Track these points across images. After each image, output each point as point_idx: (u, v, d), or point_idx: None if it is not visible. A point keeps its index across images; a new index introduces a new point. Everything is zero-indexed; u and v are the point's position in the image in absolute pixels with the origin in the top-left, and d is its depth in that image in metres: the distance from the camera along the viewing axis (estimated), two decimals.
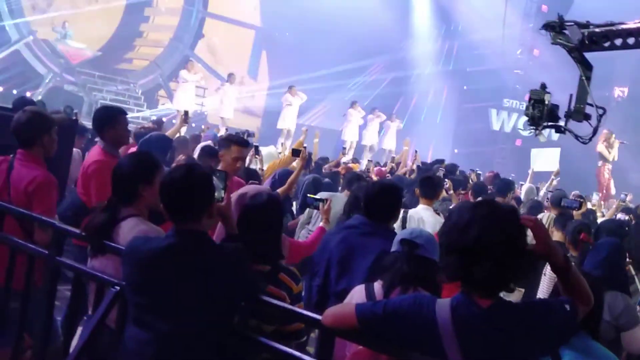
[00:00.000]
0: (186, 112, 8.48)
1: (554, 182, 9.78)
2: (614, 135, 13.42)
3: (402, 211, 6.19)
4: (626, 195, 11.65)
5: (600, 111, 3.72)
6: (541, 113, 3.68)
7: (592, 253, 4.51)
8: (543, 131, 3.75)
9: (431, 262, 3.07)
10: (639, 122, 22.55)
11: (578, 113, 3.70)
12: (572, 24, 3.61)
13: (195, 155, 8.00)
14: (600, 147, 12.53)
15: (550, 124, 3.75)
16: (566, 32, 3.63)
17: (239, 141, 5.05)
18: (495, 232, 2.24)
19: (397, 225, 6.00)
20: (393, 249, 3.23)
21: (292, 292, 3.16)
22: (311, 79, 19.66)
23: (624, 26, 3.42)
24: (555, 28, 3.69)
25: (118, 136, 4.89)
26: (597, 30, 3.53)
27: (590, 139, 3.82)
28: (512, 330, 2.25)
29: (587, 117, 3.69)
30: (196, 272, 2.67)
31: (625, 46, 3.48)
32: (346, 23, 20.29)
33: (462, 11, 22.71)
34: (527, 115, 3.78)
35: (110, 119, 4.88)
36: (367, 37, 20.66)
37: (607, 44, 3.53)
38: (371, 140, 19.26)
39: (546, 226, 6.55)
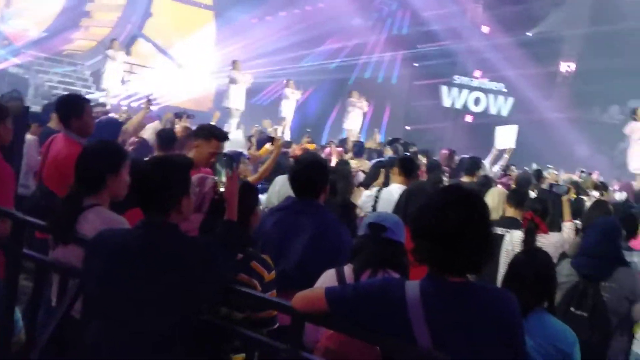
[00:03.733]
0: (149, 98, 8.32)
1: (506, 158, 9.96)
2: None
3: (375, 189, 6.34)
4: (589, 173, 11.93)
5: None
6: None
7: (589, 232, 4.70)
8: None
9: (399, 244, 3.13)
10: (586, 96, 23.10)
11: None
12: None
13: (146, 136, 7.93)
14: None
15: None
16: None
17: (221, 136, 4.93)
18: (463, 216, 2.28)
19: (368, 203, 6.13)
20: (361, 232, 3.28)
21: (263, 279, 3.17)
22: (263, 61, 19.49)
23: None
24: None
25: (84, 125, 4.81)
26: None
27: None
28: (481, 311, 2.28)
29: None
30: (165, 265, 2.63)
31: None
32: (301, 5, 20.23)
33: None
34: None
35: (76, 109, 4.80)
36: (320, 19, 20.61)
37: None
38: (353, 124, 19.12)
39: (496, 201, 6.66)
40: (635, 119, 13.18)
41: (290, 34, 20.73)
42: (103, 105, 10.33)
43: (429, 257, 2.33)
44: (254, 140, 9.63)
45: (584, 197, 7.56)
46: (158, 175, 2.72)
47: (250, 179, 5.85)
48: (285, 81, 18.81)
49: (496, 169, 9.66)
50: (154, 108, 11.25)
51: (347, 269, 3.17)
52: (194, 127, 9.09)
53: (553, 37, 23.39)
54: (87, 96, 17.12)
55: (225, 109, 16.99)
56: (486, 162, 9.66)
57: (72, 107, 4.83)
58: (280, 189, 5.83)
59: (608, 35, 20.93)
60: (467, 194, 2.37)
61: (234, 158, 3.10)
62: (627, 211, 6.20)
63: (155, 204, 2.71)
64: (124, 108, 14.88)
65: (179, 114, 10.04)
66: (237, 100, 16.85)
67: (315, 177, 4.02)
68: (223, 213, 3.03)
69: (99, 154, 3.44)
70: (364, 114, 19.32)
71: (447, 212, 2.28)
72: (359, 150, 9.39)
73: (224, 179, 2.99)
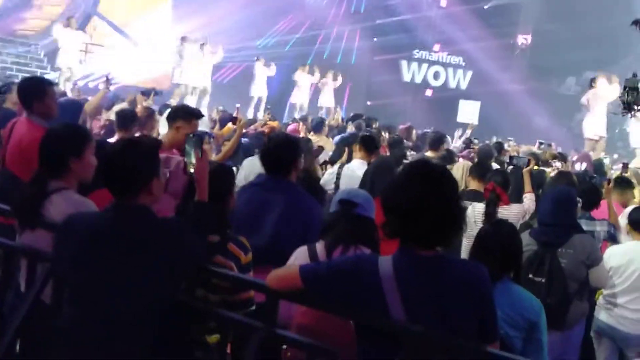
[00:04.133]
0: (107, 77, 8.19)
1: (468, 133, 10.11)
2: None
3: (337, 166, 6.39)
4: (548, 145, 12.15)
5: None
6: (635, 98, 4.02)
7: (543, 201, 4.83)
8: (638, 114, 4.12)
9: (369, 220, 3.17)
10: (542, 68, 23.43)
11: None
12: None
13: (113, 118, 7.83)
14: None
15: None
16: None
17: (199, 115, 4.88)
18: (432, 191, 2.32)
19: (331, 180, 6.18)
20: (332, 209, 3.32)
21: (240, 261, 3.19)
22: (222, 39, 19.24)
23: None
24: None
25: (47, 108, 4.72)
26: None
27: None
28: (453, 283, 2.33)
29: None
30: (136, 247, 2.62)
31: None
32: None
33: None
34: (622, 101, 4.11)
35: (38, 92, 4.71)
36: None
37: None
38: (300, 99, 19.07)
39: (460, 174, 6.78)
40: (592, 87, 13.48)
41: (248, 11, 20.50)
42: (56, 84, 10.08)
43: (399, 231, 2.37)
44: (217, 118, 9.57)
45: (545, 169, 7.70)
46: (126, 158, 2.69)
47: (214, 158, 5.83)
48: (255, 58, 18.62)
49: (458, 143, 9.79)
50: (112, 88, 11.06)
51: (319, 246, 3.21)
52: (155, 107, 9.08)
53: (510, 9, 23.64)
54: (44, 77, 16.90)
55: (177, 85, 16.75)
56: (455, 136, 9.83)
57: (34, 91, 4.74)
58: (247, 173, 5.80)
59: (563, 7, 21.19)
60: (432, 169, 2.42)
61: (202, 138, 3.07)
62: (589, 182, 6.33)
63: (125, 186, 2.69)
64: (77, 87, 14.58)
65: (147, 92, 9.88)
66: (191, 77, 16.63)
67: (286, 155, 4.08)
68: (194, 194, 3.02)
69: (61, 137, 3.39)
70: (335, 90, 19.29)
71: (414, 187, 2.32)
72: (317, 125, 9.39)
73: (193, 160, 2.98)
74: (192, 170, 3.00)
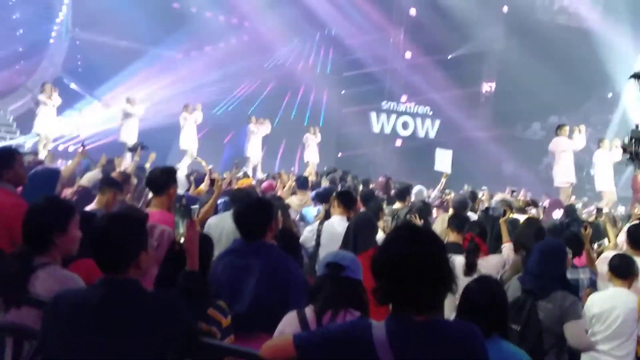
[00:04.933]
0: (83, 145, 8.15)
1: (443, 182, 10.24)
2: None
3: (317, 224, 6.40)
4: (513, 191, 12.32)
5: None
6: None
7: (533, 252, 4.81)
8: None
9: (357, 282, 3.19)
10: (508, 115, 23.96)
11: None
12: None
13: (84, 183, 7.79)
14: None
15: None
16: None
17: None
18: (420, 252, 2.36)
19: (311, 237, 6.19)
20: (319, 272, 3.32)
21: (221, 326, 3.18)
22: (192, 97, 19.36)
23: None
24: None
25: (16, 176, 4.73)
26: None
27: None
28: (448, 348, 2.34)
29: None
30: (126, 324, 2.59)
31: None
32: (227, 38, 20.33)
33: (333, 16, 23.19)
34: (629, 152, 4.26)
35: (6, 161, 4.70)
36: (246, 49, 20.76)
37: None
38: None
39: (442, 228, 6.84)
40: (558, 134, 13.76)
41: (217, 68, 20.77)
42: (35, 153, 10.02)
43: (390, 296, 2.38)
44: (192, 179, 9.57)
45: (519, 217, 7.79)
46: (114, 233, 2.68)
47: (196, 217, 5.81)
48: (248, 118, 18.50)
49: (434, 193, 9.90)
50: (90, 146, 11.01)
51: (309, 310, 3.20)
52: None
53: (473, 58, 24.26)
54: (12, 141, 16.74)
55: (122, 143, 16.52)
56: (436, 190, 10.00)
57: (3, 159, 4.75)
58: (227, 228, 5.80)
59: (525, 54, 21.73)
60: (419, 231, 2.46)
61: (190, 208, 3.08)
62: (571, 231, 6.40)
63: (113, 262, 2.68)
64: (50, 152, 14.43)
65: (134, 147, 9.84)
66: (130, 135, 16.32)
67: (259, 218, 4.05)
68: (179, 263, 3.02)
69: (45, 212, 3.36)
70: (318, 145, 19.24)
71: (403, 249, 2.35)
72: (303, 183, 9.42)
73: (181, 230, 2.99)
74: (182, 239, 3.00)
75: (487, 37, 23.81)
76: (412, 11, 24.18)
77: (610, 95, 23.73)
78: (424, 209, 7.87)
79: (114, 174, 7.52)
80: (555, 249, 4.73)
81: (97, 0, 20.12)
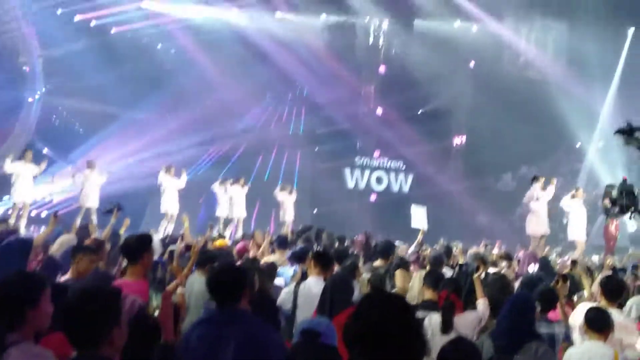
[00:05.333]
0: (55, 213, 8.06)
1: (420, 239, 10.28)
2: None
3: (293, 285, 6.38)
4: (486, 245, 12.41)
5: None
6: (631, 201, 4.35)
7: (503, 307, 4.88)
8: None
9: (333, 349, 3.18)
10: (478, 166, 24.27)
11: None
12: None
13: (54, 250, 7.68)
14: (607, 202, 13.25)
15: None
16: (636, 135, 4.20)
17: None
18: (391, 318, 2.38)
19: (287, 299, 6.16)
20: (295, 339, 3.31)
21: None
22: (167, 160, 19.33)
23: None
24: (626, 133, 4.24)
25: None
26: None
27: None
28: None
29: None
30: None
31: None
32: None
33: (305, 75, 23.58)
34: (619, 205, 4.41)
35: None
36: (219, 111, 20.98)
37: None
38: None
39: (419, 284, 6.85)
40: (532, 185, 14.00)
41: (191, 130, 20.91)
42: (5, 221, 9.89)
43: None
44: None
45: (492, 271, 7.83)
46: (87, 308, 2.66)
47: (170, 287, 5.76)
48: (221, 179, 18.36)
49: (411, 249, 9.95)
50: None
51: None
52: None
53: (442, 112, 24.71)
54: None
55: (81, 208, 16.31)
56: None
57: None
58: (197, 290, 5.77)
59: (494, 106, 22.11)
60: (389, 297, 2.49)
61: (164, 282, 3.08)
62: (544, 285, 6.43)
63: (85, 338, 2.65)
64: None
65: (110, 210, 9.72)
66: (91, 199, 16.08)
67: (233, 285, 3.98)
68: (148, 337, 3.00)
69: (16, 288, 3.31)
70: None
71: (374, 316, 2.37)
72: (282, 243, 9.40)
73: (155, 303, 2.98)
74: (156, 313, 2.99)
75: (455, 91, 24.33)
76: (382, 68, 24.68)
77: (578, 144, 24.20)
78: (402, 264, 7.83)
79: (87, 241, 7.45)
80: (524, 303, 4.81)
81: (70, 64, 20.25)
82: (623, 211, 4.45)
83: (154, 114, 22.13)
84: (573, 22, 22.89)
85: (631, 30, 23.45)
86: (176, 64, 22.92)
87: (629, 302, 6.50)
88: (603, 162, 22.45)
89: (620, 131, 4.35)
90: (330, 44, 23.28)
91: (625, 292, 6.54)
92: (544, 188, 13.95)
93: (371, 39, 24.22)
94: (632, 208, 4.43)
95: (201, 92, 22.11)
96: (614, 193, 4.49)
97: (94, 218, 15.42)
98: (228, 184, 17.97)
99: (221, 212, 17.78)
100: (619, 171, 21.78)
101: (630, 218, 5.29)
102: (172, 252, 7.45)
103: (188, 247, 6.89)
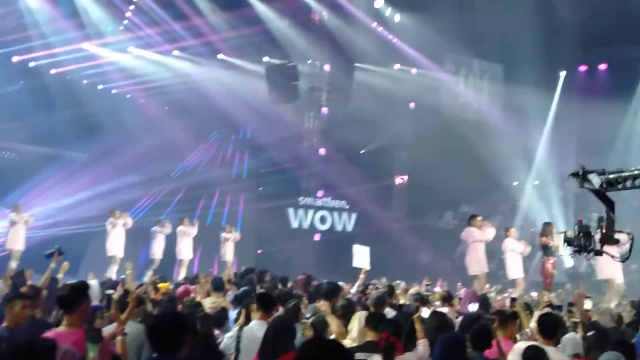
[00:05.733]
0: None
1: (362, 279, 10.34)
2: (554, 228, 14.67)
3: (237, 329, 6.34)
4: (428, 284, 12.57)
5: (631, 235, 4.86)
6: (588, 241, 4.57)
7: (435, 347, 5.08)
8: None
9: None
10: (420, 205, 24.70)
11: (610, 238, 4.57)
12: (593, 172, 4.44)
13: None
14: (545, 240, 13.49)
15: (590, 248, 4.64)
16: (589, 178, 4.45)
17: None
18: None
19: (230, 343, 6.11)
20: None
21: None
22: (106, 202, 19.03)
23: (628, 173, 4.27)
24: (580, 176, 4.50)
25: None
26: (611, 176, 4.35)
27: (627, 258, 4.97)
28: None
29: (617, 242, 4.57)
30: None
31: (633, 187, 4.31)
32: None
33: (247, 117, 23.70)
34: (577, 245, 4.64)
35: None
36: (160, 152, 20.86)
37: (620, 186, 4.33)
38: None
39: (360, 325, 6.88)
40: (470, 225, 14.17)
41: (130, 171, 20.70)
42: None
43: None
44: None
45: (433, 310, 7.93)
46: None
47: (107, 335, 5.65)
48: (180, 219, 18.11)
49: (353, 289, 9.99)
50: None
51: None
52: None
53: (384, 152, 25.14)
54: None
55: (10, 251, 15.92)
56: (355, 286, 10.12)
57: None
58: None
59: (435, 145, 22.54)
60: (326, 344, 2.53)
61: (101, 333, 3.05)
62: (479, 323, 6.53)
63: None
64: None
65: (51, 254, 9.41)
66: (15, 242, 15.76)
67: (173, 333, 3.96)
68: None
69: None
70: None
71: None
72: (218, 285, 9.32)
73: (91, 354, 2.95)
74: None
75: (397, 132, 24.78)
76: (324, 109, 25.00)
77: (516, 183, 24.86)
78: (348, 306, 7.82)
79: (23, 289, 7.24)
80: (455, 341, 4.97)
81: (8, 105, 19.87)
82: (580, 251, 4.73)
83: (94, 155, 21.84)
84: (508, 65, 23.78)
85: (563, 74, 24.46)
86: (117, 105, 22.75)
87: (564, 339, 6.65)
88: (540, 199, 23.14)
89: (574, 174, 4.65)
90: (273, 86, 23.47)
91: (561, 329, 6.72)
92: (481, 228, 14.14)
93: (314, 82, 24.52)
94: (589, 248, 4.71)
95: (143, 133, 21.95)
96: (569, 233, 4.75)
97: (14, 263, 15.05)
98: (167, 223, 17.81)
99: (156, 253, 17.56)
100: (555, 208, 22.52)
101: (587, 259, 5.65)
102: (110, 297, 7.31)
103: (126, 293, 6.78)
